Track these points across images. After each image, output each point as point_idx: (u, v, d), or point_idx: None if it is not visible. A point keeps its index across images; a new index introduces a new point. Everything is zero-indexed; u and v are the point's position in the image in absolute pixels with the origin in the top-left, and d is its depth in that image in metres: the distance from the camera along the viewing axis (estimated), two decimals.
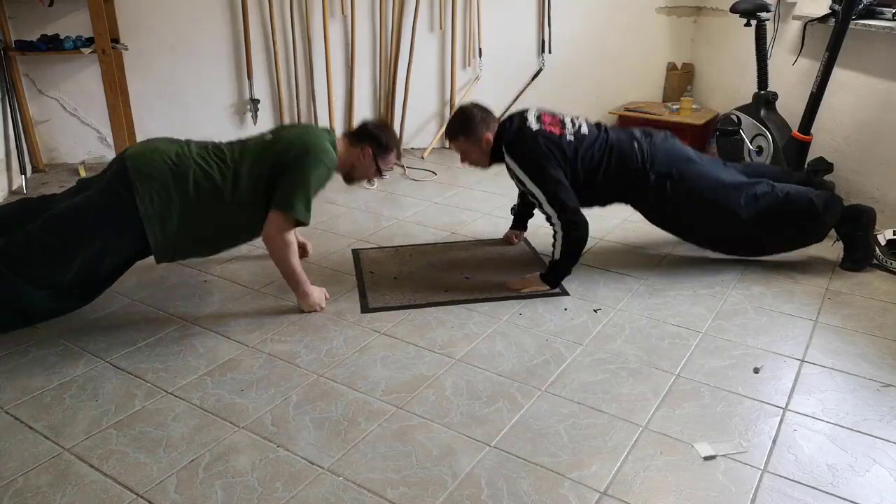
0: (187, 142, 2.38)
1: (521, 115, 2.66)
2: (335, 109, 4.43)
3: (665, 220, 2.80)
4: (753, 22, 3.55)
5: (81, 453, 1.75)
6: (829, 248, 2.86)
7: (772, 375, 2.08)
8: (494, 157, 2.66)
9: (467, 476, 1.67)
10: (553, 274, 2.58)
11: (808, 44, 3.59)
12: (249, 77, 4.26)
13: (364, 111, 4.51)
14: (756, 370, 2.11)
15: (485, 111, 2.66)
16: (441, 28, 4.44)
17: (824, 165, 3.34)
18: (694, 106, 4.56)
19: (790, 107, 3.62)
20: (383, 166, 2.55)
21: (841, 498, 1.61)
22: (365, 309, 2.49)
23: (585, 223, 2.52)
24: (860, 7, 3.15)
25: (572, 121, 2.68)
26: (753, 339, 2.28)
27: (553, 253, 2.55)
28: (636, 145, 2.64)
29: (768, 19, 3.55)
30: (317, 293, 2.46)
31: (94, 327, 2.34)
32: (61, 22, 3.90)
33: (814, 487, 1.64)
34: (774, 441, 1.79)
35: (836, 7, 3.17)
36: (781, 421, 1.88)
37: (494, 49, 4.55)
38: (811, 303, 2.52)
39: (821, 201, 2.70)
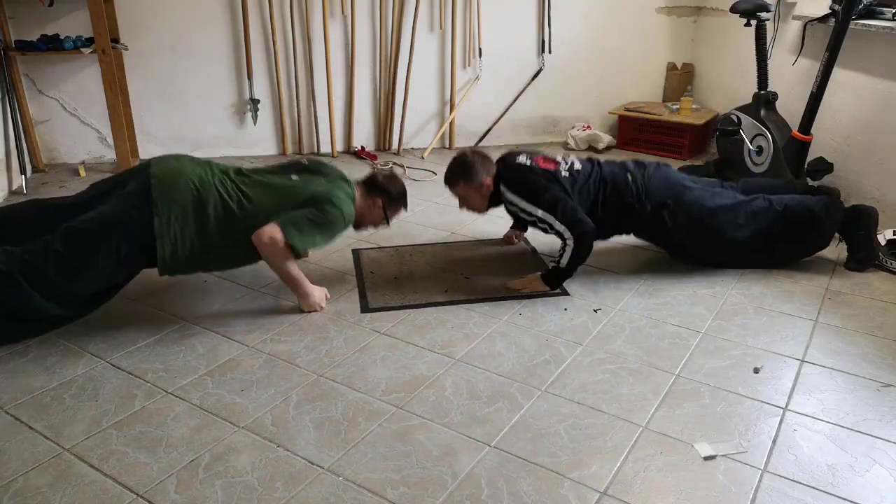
0: (209, 163, 2.41)
1: (514, 158, 2.71)
2: (335, 109, 4.43)
3: (668, 246, 2.81)
4: (753, 22, 3.54)
5: (81, 453, 1.75)
6: (831, 248, 2.85)
7: (772, 375, 2.08)
8: (492, 202, 2.72)
9: (467, 476, 1.67)
10: (555, 276, 2.58)
11: (808, 44, 3.59)
12: (249, 77, 4.26)
13: (364, 111, 4.51)
14: (756, 370, 2.11)
15: (482, 157, 2.71)
16: (441, 28, 4.44)
17: (824, 165, 3.34)
18: (694, 106, 4.56)
19: (790, 107, 3.62)
20: (391, 216, 2.64)
21: (841, 498, 1.61)
22: (365, 309, 2.49)
23: (595, 231, 2.55)
24: (860, 7, 3.15)
25: (564, 159, 2.73)
26: (753, 339, 2.28)
27: (559, 260, 2.55)
28: (630, 178, 2.69)
29: (768, 19, 3.55)
30: (317, 293, 2.46)
31: (94, 327, 2.34)
32: (61, 22, 3.90)
33: (814, 487, 1.64)
34: (774, 441, 1.80)
35: (836, 7, 3.18)
36: (781, 421, 1.88)
37: (494, 49, 4.55)
38: (811, 303, 2.52)
39: (821, 208, 2.71)
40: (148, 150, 4.29)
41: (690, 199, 2.69)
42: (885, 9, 3.17)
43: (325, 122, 4.43)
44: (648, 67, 4.87)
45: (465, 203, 2.75)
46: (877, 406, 1.94)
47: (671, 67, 4.88)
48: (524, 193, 2.57)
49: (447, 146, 4.68)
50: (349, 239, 3.11)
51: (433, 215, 3.44)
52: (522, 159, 2.68)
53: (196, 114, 4.28)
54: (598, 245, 3.01)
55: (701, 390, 2.01)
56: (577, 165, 2.70)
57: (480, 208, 2.75)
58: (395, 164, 4.27)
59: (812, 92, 3.25)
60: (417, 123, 4.61)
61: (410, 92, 4.47)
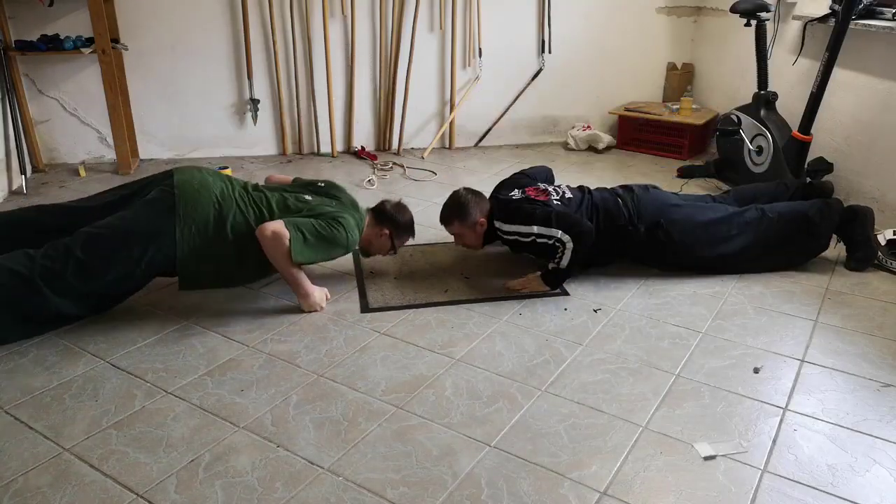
0: (231, 180, 2.47)
1: (505, 194, 2.77)
2: (335, 109, 4.43)
3: (665, 264, 2.81)
4: (753, 22, 3.54)
5: (81, 453, 1.75)
6: (830, 248, 2.85)
7: (772, 375, 2.08)
8: (487, 238, 2.75)
9: (467, 476, 1.67)
10: (555, 276, 2.58)
11: (808, 44, 3.59)
12: (249, 77, 4.26)
13: (364, 111, 4.51)
14: (756, 370, 2.11)
15: (477, 195, 2.74)
16: (441, 28, 4.44)
17: (824, 165, 3.34)
18: (694, 106, 4.56)
19: (790, 107, 3.62)
20: (398, 245, 2.68)
21: (841, 498, 1.61)
22: (365, 309, 2.49)
23: (592, 230, 2.56)
24: (860, 7, 3.15)
25: (555, 189, 2.76)
26: (753, 339, 2.28)
27: (559, 261, 2.55)
28: (620, 202, 2.72)
29: (768, 19, 3.55)
30: (317, 293, 2.47)
31: (94, 327, 2.34)
32: (61, 22, 3.90)
33: (814, 487, 1.64)
34: (774, 441, 1.80)
35: (836, 7, 3.17)
36: (781, 421, 1.88)
37: (494, 49, 4.55)
38: (811, 303, 2.52)
39: (815, 212, 2.73)
40: (148, 150, 4.30)
41: (682, 217, 2.71)
42: (885, 9, 3.17)
43: (325, 122, 4.43)
44: (648, 67, 4.87)
45: (460, 240, 2.79)
46: (877, 406, 1.94)
47: (671, 67, 4.88)
48: (517, 219, 2.61)
49: (447, 146, 4.68)
50: None
51: (433, 215, 3.42)
52: (515, 193, 2.74)
53: (196, 114, 4.28)
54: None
55: (701, 390, 2.01)
56: (568, 194, 2.74)
57: (475, 245, 2.79)
58: (395, 164, 4.27)
59: (812, 92, 3.25)
60: (417, 123, 4.61)
61: (410, 92, 4.47)
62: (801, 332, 2.33)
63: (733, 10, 3.62)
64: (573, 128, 4.75)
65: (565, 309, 2.49)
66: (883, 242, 2.81)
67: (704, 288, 2.64)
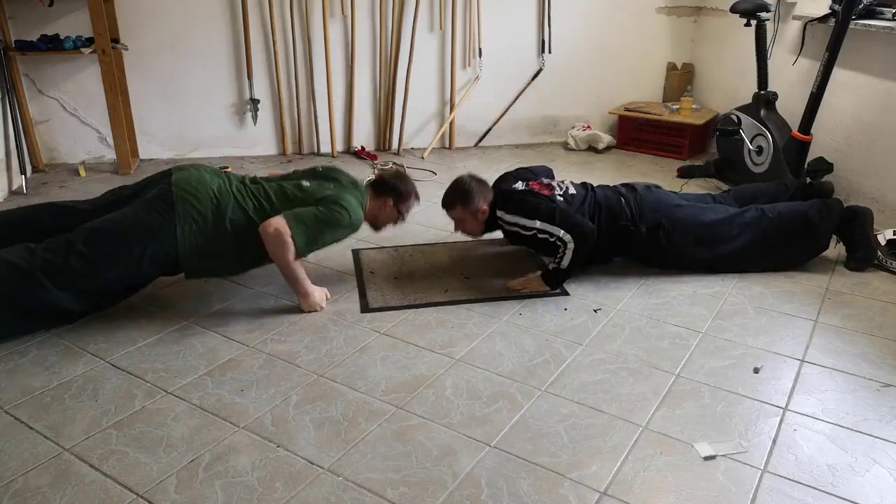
0: (227, 176, 2.49)
1: (509, 184, 2.77)
2: (335, 109, 4.43)
3: (665, 265, 2.81)
4: (753, 22, 3.54)
5: (81, 453, 1.75)
6: (830, 248, 2.85)
7: (772, 375, 2.08)
8: (488, 226, 2.75)
9: (467, 476, 1.67)
10: (555, 276, 2.58)
11: (808, 44, 3.59)
12: (249, 77, 4.26)
13: (364, 111, 4.51)
14: (756, 370, 2.11)
15: (480, 182, 2.74)
16: (441, 28, 4.44)
17: (824, 165, 3.34)
18: (694, 106, 4.56)
19: (790, 107, 3.62)
20: (404, 212, 2.68)
21: (841, 498, 1.61)
22: (365, 309, 2.49)
23: (594, 231, 2.56)
24: (860, 7, 3.15)
25: (559, 184, 2.76)
26: (753, 339, 2.28)
27: (560, 261, 2.55)
28: (623, 201, 2.72)
29: (768, 19, 3.55)
30: (317, 293, 2.47)
31: (94, 327, 2.34)
32: (61, 22, 3.90)
33: (814, 487, 1.64)
34: (774, 441, 1.80)
35: (836, 7, 3.17)
36: (781, 421, 1.88)
37: (494, 49, 4.55)
38: (811, 303, 2.52)
39: (815, 212, 2.73)
40: (148, 150, 4.30)
41: (684, 217, 2.72)
42: (885, 9, 3.17)
43: (325, 122, 4.43)
44: (648, 67, 4.87)
45: (460, 226, 2.79)
46: (877, 406, 1.94)
47: (671, 67, 4.88)
48: (520, 211, 2.61)
49: (447, 146, 4.68)
50: (350, 239, 3.11)
51: (433, 215, 3.43)
52: (518, 185, 2.74)
53: (196, 114, 4.28)
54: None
55: (701, 390, 2.01)
56: (572, 190, 2.74)
57: (475, 232, 2.79)
58: (394, 164, 4.27)
59: (812, 92, 3.25)
60: (417, 123, 4.61)
61: (410, 92, 4.47)
62: (801, 332, 2.33)
63: (733, 10, 3.62)
64: (573, 128, 4.75)
65: (565, 309, 2.49)
66: (883, 242, 2.81)
67: (704, 288, 2.64)
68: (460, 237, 3.16)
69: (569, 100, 4.80)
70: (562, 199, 2.67)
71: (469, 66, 4.56)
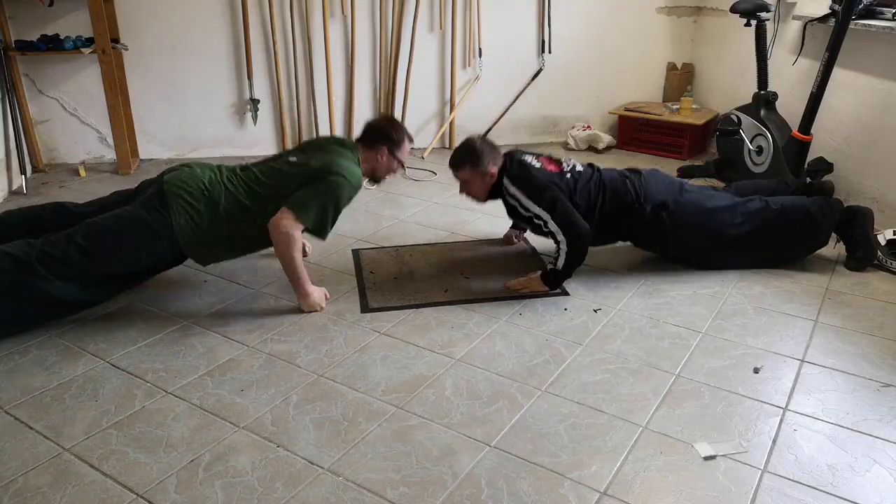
0: (219, 167, 2.50)
1: (520, 156, 2.71)
2: (335, 109, 4.43)
3: (666, 251, 2.82)
4: (753, 22, 3.54)
5: (81, 453, 1.75)
6: (830, 248, 2.86)
7: (772, 375, 2.08)
8: (492, 193, 2.72)
9: (467, 476, 1.67)
10: (554, 276, 2.58)
11: (808, 44, 3.59)
12: (249, 77, 4.26)
13: (364, 111, 4.51)
14: (756, 370, 2.11)
15: (491, 146, 2.69)
16: (441, 28, 4.44)
17: (824, 165, 3.34)
18: (694, 106, 4.56)
19: (790, 107, 3.62)
20: (402, 157, 2.63)
21: (841, 498, 1.61)
22: (365, 309, 2.49)
23: (589, 234, 2.55)
24: (860, 7, 3.15)
25: (566, 161, 2.75)
26: (753, 339, 2.28)
27: (556, 262, 2.56)
28: (628, 182, 2.71)
29: (768, 19, 3.55)
30: (317, 293, 2.47)
31: (94, 327, 2.34)
32: (61, 22, 3.90)
33: (814, 487, 1.64)
34: (774, 441, 1.80)
35: (836, 7, 3.17)
36: (781, 421, 1.88)
37: (494, 49, 4.55)
38: (811, 303, 2.52)
39: (816, 208, 2.73)
40: (148, 150, 4.30)
41: (688, 200, 2.71)
42: (885, 9, 3.17)
43: (325, 122, 4.43)
44: (648, 67, 4.87)
45: (465, 188, 2.73)
46: (877, 406, 1.94)
47: (671, 67, 4.88)
48: (526, 189, 2.58)
49: (447, 146, 4.68)
50: (349, 239, 3.11)
51: (433, 215, 3.44)
52: (529, 158, 2.69)
53: (196, 114, 4.29)
54: (599, 245, 3.03)
55: (701, 390, 2.01)
56: (579, 167, 2.72)
57: (481, 196, 2.74)
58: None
59: (812, 92, 3.25)
60: (417, 123, 4.60)
61: (410, 92, 4.47)
62: (801, 332, 2.33)
63: (733, 10, 3.62)
64: (573, 128, 4.75)
65: (565, 309, 2.49)
66: (883, 242, 2.81)
67: (704, 288, 2.64)
68: (460, 237, 3.16)
69: (569, 100, 4.80)
70: (570, 176, 2.64)
71: (469, 66, 4.56)
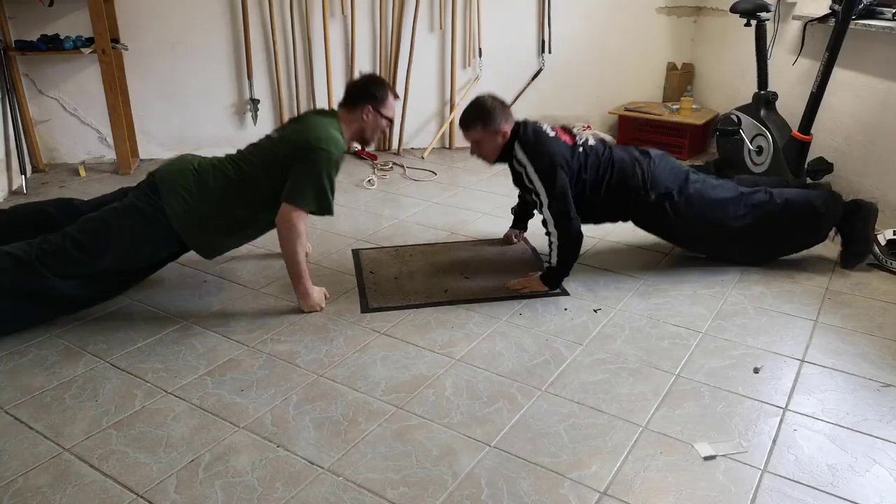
0: (206, 157, 2.53)
1: (535, 123, 2.64)
2: None
3: (667, 235, 2.81)
4: (753, 22, 3.54)
5: (81, 453, 1.75)
6: (829, 247, 2.86)
7: (772, 375, 2.08)
8: (501, 156, 2.64)
9: (467, 476, 1.67)
10: (552, 276, 2.58)
11: (808, 44, 3.59)
12: (249, 77, 4.26)
13: None
14: (756, 370, 2.11)
15: (503, 103, 2.60)
16: (441, 28, 4.44)
17: (824, 165, 3.34)
18: (694, 106, 4.56)
19: (790, 107, 3.62)
20: (388, 114, 2.56)
21: (841, 498, 1.61)
22: (365, 309, 2.49)
23: (580, 233, 2.54)
24: (860, 7, 3.15)
25: (578, 134, 2.70)
26: (753, 339, 2.28)
27: (550, 259, 2.56)
28: (637, 165, 2.67)
29: (768, 19, 3.55)
30: (317, 293, 2.47)
31: (94, 327, 2.34)
32: (61, 22, 3.90)
33: (814, 487, 1.64)
34: (774, 441, 1.80)
35: (836, 7, 3.17)
36: (781, 421, 1.88)
37: (494, 49, 4.55)
38: (811, 303, 2.52)
39: (821, 202, 2.73)
40: (148, 150, 4.30)
41: (693, 191, 2.69)
42: (885, 9, 3.17)
43: None
44: (648, 67, 4.87)
45: (477, 149, 2.63)
46: (877, 406, 1.94)
47: (671, 67, 4.88)
48: (535, 161, 2.51)
49: (447, 146, 4.68)
50: (349, 239, 3.11)
51: (433, 215, 3.44)
52: (545, 127, 2.62)
53: (196, 114, 4.28)
54: (598, 245, 3.03)
55: (701, 390, 2.01)
56: (591, 142, 2.68)
57: (491, 157, 2.64)
58: (395, 163, 4.27)
59: (812, 92, 3.25)
60: (417, 123, 4.61)
61: (410, 92, 4.47)
62: (801, 332, 2.33)
63: (733, 10, 3.62)
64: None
65: (565, 309, 2.49)
66: (883, 242, 2.81)
67: (704, 288, 2.64)
68: (460, 237, 3.16)
69: (569, 100, 4.80)
70: (581, 150, 2.61)
71: (469, 66, 4.56)
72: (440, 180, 3.99)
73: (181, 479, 1.66)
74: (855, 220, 2.76)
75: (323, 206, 2.39)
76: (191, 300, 2.54)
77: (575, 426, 1.85)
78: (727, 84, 4.47)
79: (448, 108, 4.60)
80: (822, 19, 3.41)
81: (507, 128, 2.57)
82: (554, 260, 2.54)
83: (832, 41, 3.11)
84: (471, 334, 2.31)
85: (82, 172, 3.99)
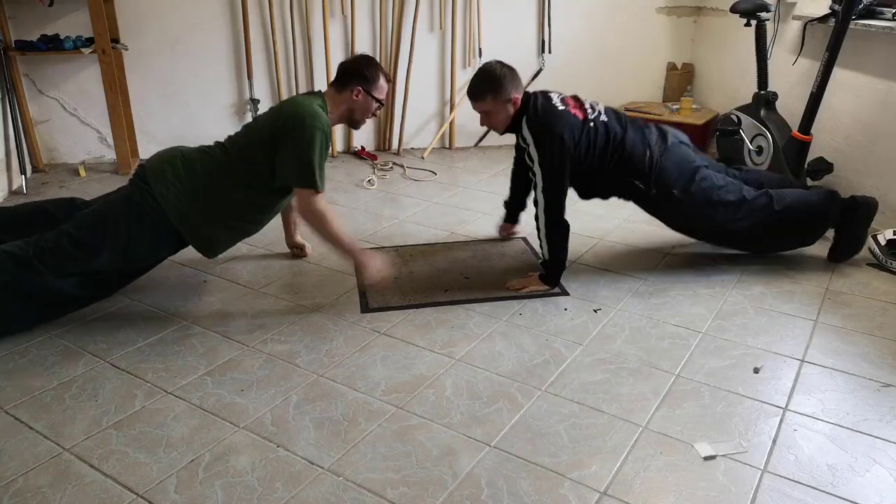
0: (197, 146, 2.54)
1: (546, 94, 2.57)
2: None
3: (665, 221, 2.81)
4: (753, 22, 3.54)
5: (81, 453, 1.75)
6: (828, 248, 2.85)
7: (772, 375, 2.08)
8: (512, 125, 2.56)
9: (467, 476, 1.67)
10: (550, 272, 2.58)
11: (808, 44, 3.59)
12: (249, 77, 4.26)
13: None
14: (756, 370, 2.11)
15: (511, 70, 2.52)
16: (441, 28, 4.44)
17: (824, 165, 3.34)
18: (694, 106, 4.56)
19: (790, 107, 3.62)
20: (379, 96, 2.53)
21: (841, 498, 1.61)
22: (365, 309, 2.49)
23: (566, 226, 2.53)
24: (860, 7, 3.15)
25: (592, 106, 2.62)
26: (753, 339, 2.28)
27: (542, 251, 2.57)
28: (648, 154, 2.60)
29: (768, 19, 3.55)
30: (377, 260, 2.44)
31: (94, 327, 2.34)
32: (61, 22, 3.90)
33: (814, 487, 1.64)
34: (774, 441, 1.80)
35: (836, 7, 3.17)
36: (781, 421, 1.88)
37: (494, 49, 4.53)
38: (811, 303, 2.52)
39: (820, 205, 2.74)
40: (148, 150, 4.29)
41: (697, 190, 2.64)
42: (885, 9, 3.17)
43: None
44: (648, 67, 4.87)
45: (486, 120, 2.57)
46: (877, 406, 1.94)
47: (671, 67, 4.88)
48: (539, 143, 2.44)
49: (447, 146, 4.68)
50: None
51: (433, 215, 3.44)
52: (555, 98, 2.55)
53: (196, 114, 4.28)
54: (598, 245, 3.04)
55: (701, 390, 2.01)
56: (603, 117, 2.58)
57: (501, 127, 2.56)
58: (395, 163, 4.27)
59: (812, 92, 3.25)
60: (417, 123, 4.61)
61: (410, 92, 4.47)
62: (801, 332, 2.33)
63: (733, 10, 3.62)
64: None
65: (565, 309, 2.49)
66: (883, 242, 2.81)
67: (704, 288, 2.64)
68: (460, 237, 3.16)
69: None
70: (592, 125, 2.53)
71: (469, 66, 4.56)
72: (440, 180, 3.99)
73: (181, 479, 1.66)
74: (853, 217, 2.75)
75: (319, 183, 2.35)
76: (191, 300, 2.54)
77: (575, 426, 1.85)
78: (727, 84, 4.47)
79: (448, 108, 4.60)
80: (822, 19, 3.41)
81: (518, 96, 2.50)
82: (545, 250, 2.54)
83: (832, 41, 3.11)
84: (471, 334, 2.31)
85: (82, 172, 3.99)
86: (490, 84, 2.48)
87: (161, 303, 2.52)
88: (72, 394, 1.99)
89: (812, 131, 3.32)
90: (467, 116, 4.65)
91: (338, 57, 4.33)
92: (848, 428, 1.85)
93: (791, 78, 3.75)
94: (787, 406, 1.94)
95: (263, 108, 4.34)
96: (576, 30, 4.62)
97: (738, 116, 3.77)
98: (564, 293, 2.60)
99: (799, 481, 1.66)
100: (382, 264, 2.44)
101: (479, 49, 4.52)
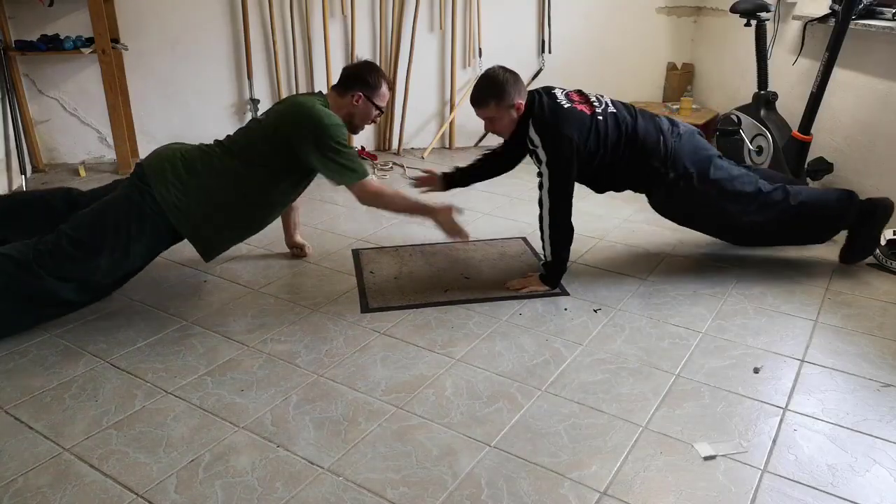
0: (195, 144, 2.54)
1: (550, 92, 2.55)
2: None
3: (675, 215, 2.79)
4: (753, 22, 3.54)
5: (81, 453, 1.75)
6: (830, 248, 2.86)
7: (772, 375, 2.08)
8: (516, 131, 2.54)
9: (467, 476, 1.67)
10: (551, 273, 2.58)
11: (808, 44, 3.59)
12: (249, 77, 4.26)
13: None
14: (756, 370, 2.11)
15: (514, 75, 2.50)
16: (441, 28, 4.44)
17: (824, 165, 3.34)
18: (694, 106, 4.56)
19: (790, 107, 3.62)
20: (379, 103, 2.54)
21: (841, 498, 1.61)
22: (365, 309, 2.49)
23: (570, 229, 2.51)
24: (860, 7, 3.15)
25: (598, 98, 2.58)
26: (753, 339, 2.28)
27: (544, 252, 2.57)
28: (662, 140, 2.55)
29: (768, 19, 3.55)
30: (446, 209, 2.51)
31: (94, 327, 2.34)
32: (61, 22, 3.90)
33: (814, 487, 1.64)
34: (774, 441, 1.80)
35: (836, 7, 3.18)
36: (781, 421, 1.88)
37: (494, 49, 4.54)
38: (811, 303, 2.52)
39: (836, 205, 2.71)
40: (148, 150, 4.24)
41: (714, 178, 2.59)
42: (885, 9, 3.17)
43: None
44: (648, 67, 4.87)
45: (491, 126, 2.55)
46: (877, 406, 1.94)
47: (671, 67, 4.88)
48: (547, 143, 2.41)
49: (447, 146, 4.68)
50: (349, 239, 3.11)
51: None
52: (559, 94, 2.52)
53: (196, 114, 4.28)
54: (598, 245, 3.03)
55: (701, 390, 2.01)
56: (612, 108, 2.54)
57: (506, 132, 2.54)
58: (395, 163, 4.27)
59: (812, 92, 3.25)
60: (417, 123, 4.61)
61: (410, 92, 4.47)
62: (801, 332, 2.33)
63: (733, 10, 3.62)
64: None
65: (565, 309, 2.49)
66: (883, 242, 2.81)
67: (704, 288, 2.64)
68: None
69: None
70: (602, 118, 2.49)
71: (469, 66, 4.56)
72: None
73: (181, 479, 1.66)
74: (871, 220, 2.71)
75: (363, 169, 2.43)
76: (191, 300, 2.54)
77: (575, 426, 1.85)
78: (727, 84, 4.47)
79: (448, 108, 4.60)
80: (822, 19, 3.41)
81: (521, 101, 2.48)
82: (548, 251, 2.53)
83: (832, 41, 3.11)
84: (471, 334, 2.31)
85: (82, 172, 3.99)
86: (493, 90, 2.46)
87: (161, 303, 2.52)
88: (72, 394, 1.99)
89: (812, 131, 3.32)
90: (467, 116, 4.65)
91: (338, 57, 4.34)
92: (848, 428, 1.85)
93: (791, 78, 3.75)
94: (787, 406, 1.94)
95: (263, 108, 4.34)
96: (576, 30, 4.63)
97: (738, 116, 3.77)
98: (564, 293, 2.60)
99: (799, 481, 1.66)
100: (453, 213, 2.52)
101: (479, 49, 4.52)
